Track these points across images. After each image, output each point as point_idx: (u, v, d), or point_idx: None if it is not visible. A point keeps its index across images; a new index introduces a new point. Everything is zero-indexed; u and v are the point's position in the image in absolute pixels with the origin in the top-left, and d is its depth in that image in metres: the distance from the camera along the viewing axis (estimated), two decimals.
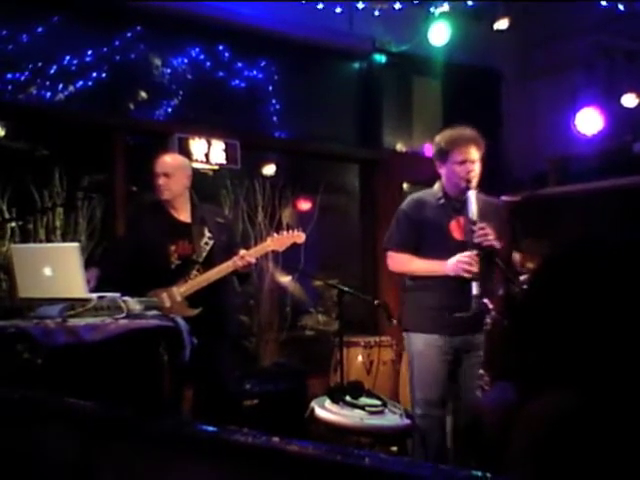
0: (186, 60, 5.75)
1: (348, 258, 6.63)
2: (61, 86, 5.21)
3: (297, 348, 6.11)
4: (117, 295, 3.47)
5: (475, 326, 3.69)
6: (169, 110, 5.67)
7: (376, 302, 5.02)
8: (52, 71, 5.16)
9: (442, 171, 3.79)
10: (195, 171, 4.46)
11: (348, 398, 4.07)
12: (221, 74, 5.90)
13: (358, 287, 5.69)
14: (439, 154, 3.78)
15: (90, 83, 5.29)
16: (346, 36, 6.20)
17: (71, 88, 5.24)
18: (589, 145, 6.25)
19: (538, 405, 1.21)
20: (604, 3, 5.94)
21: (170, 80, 5.69)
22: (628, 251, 1.23)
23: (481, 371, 3.79)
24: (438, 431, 3.74)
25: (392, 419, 4.02)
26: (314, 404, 4.16)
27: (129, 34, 5.45)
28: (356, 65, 6.72)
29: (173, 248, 4.08)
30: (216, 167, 5.60)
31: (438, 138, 3.82)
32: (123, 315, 3.38)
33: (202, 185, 4.88)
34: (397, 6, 6.04)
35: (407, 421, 3.90)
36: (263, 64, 6.07)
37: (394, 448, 4.30)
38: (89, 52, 5.28)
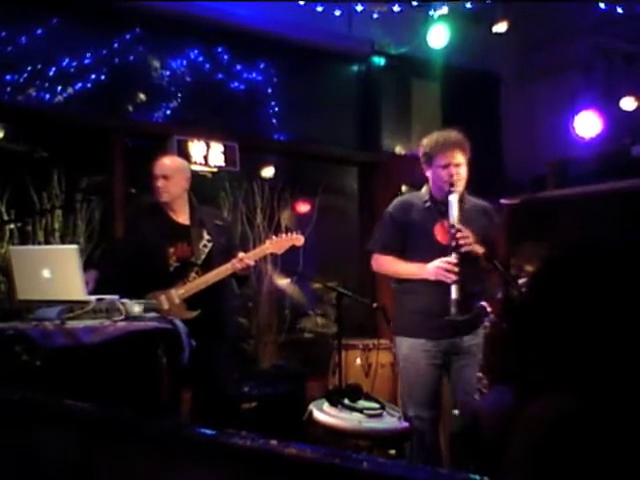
0: (185, 62, 5.75)
1: (347, 261, 6.63)
2: (60, 88, 5.21)
3: (296, 351, 6.11)
4: (116, 297, 3.46)
5: (462, 329, 3.70)
6: (168, 112, 5.67)
7: (375, 305, 5.02)
8: (51, 73, 5.16)
9: (428, 174, 3.81)
10: (194, 173, 4.46)
11: (346, 401, 4.06)
12: (220, 76, 5.90)
13: (357, 290, 5.69)
14: (425, 158, 3.80)
15: (89, 85, 5.30)
16: (345, 38, 6.21)
17: (70, 90, 5.24)
18: (588, 148, 6.25)
19: (537, 407, 1.21)
20: (603, 5, 5.95)
21: (169, 82, 5.69)
22: (627, 254, 1.23)
23: (479, 374, 3.80)
24: (430, 433, 3.77)
25: (390, 422, 4.02)
26: (312, 407, 4.15)
27: (128, 36, 5.45)
28: (355, 68, 6.72)
29: (172, 250, 4.08)
30: (215, 169, 5.60)
31: (424, 142, 3.84)
32: (121, 317, 3.38)
33: (201, 187, 4.88)
34: (396, 9, 6.04)
35: (405, 424, 3.89)
36: (262, 66, 6.08)
37: (392, 451, 4.29)
38: (88, 54, 5.28)
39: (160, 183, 4.11)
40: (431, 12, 5.97)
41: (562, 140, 6.43)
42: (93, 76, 5.30)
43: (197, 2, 5.49)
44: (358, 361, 5.26)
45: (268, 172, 6.30)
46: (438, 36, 5.93)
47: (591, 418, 1.14)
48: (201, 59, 5.81)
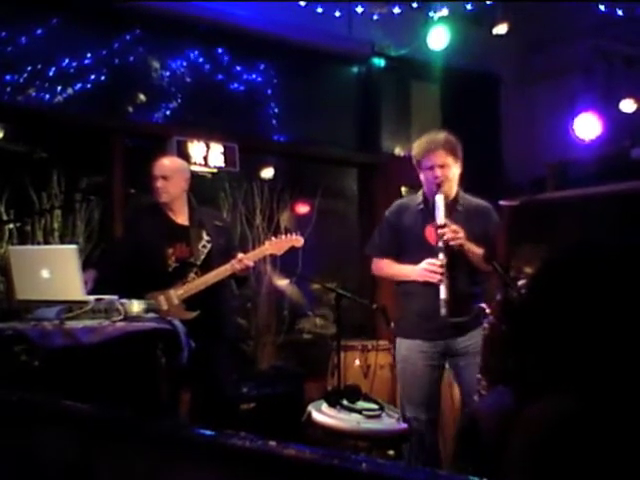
0: (185, 63, 5.75)
1: (346, 262, 6.63)
2: (60, 88, 5.21)
3: (294, 351, 6.11)
4: (114, 297, 3.47)
5: (458, 330, 3.71)
6: (168, 113, 5.67)
7: (374, 306, 5.02)
8: (51, 73, 5.16)
9: (421, 177, 3.82)
10: (193, 174, 4.46)
11: (345, 402, 4.06)
12: (220, 77, 5.90)
13: (356, 291, 5.68)
14: (414, 161, 3.83)
15: (89, 85, 5.30)
16: (345, 40, 6.21)
17: (70, 90, 5.24)
18: (587, 150, 6.25)
19: (536, 409, 1.21)
20: (603, 8, 5.95)
21: (169, 83, 5.69)
22: (626, 256, 1.23)
23: (478, 376, 3.80)
24: (429, 434, 3.77)
25: (389, 423, 4.01)
26: (311, 408, 4.14)
27: (128, 37, 5.46)
28: (355, 69, 6.73)
29: (171, 251, 4.08)
30: (214, 170, 5.60)
31: (414, 145, 3.87)
32: (120, 317, 3.38)
33: (200, 188, 4.88)
34: (396, 10, 6.04)
35: (404, 425, 3.89)
36: (262, 67, 6.08)
37: (391, 452, 4.29)
38: (88, 54, 5.28)
39: (159, 184, 4.11)
40: (431, 14, 5.97)
41: (562, 142, 6.43)
42: (93, 76, 5.30)
43: (197, 3, 5.49)
44: (357, 362, 5.26)
45: (268, 173, 6.30)
46: (438, 38, 5.93)
47: (590, 420, 1.14)
48: (201, 60, 5.81)
